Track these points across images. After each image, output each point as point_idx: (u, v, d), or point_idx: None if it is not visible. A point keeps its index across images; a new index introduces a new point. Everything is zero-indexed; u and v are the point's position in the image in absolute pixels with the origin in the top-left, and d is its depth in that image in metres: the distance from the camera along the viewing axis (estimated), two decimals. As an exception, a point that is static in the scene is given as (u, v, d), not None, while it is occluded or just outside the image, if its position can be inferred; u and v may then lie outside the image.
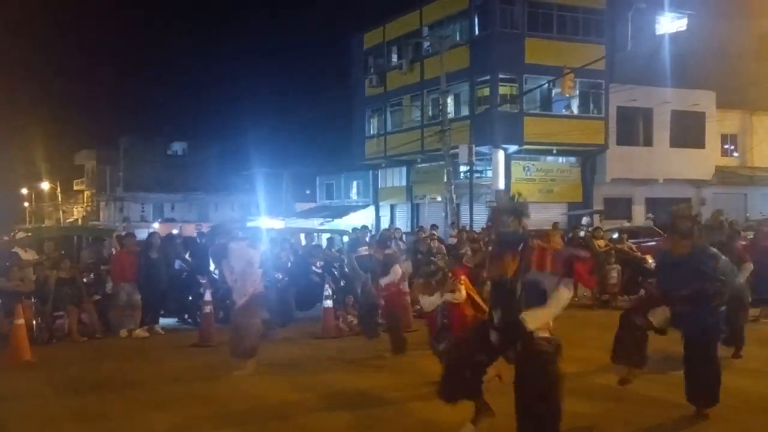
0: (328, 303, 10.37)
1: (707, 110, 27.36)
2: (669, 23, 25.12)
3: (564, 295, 4.43)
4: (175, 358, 8.67)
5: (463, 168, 24.24)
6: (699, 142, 27.43)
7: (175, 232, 16.40)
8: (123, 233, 13.61)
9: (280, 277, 11.81)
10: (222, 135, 65.65)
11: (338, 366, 8.03)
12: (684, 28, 24.79)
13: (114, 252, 12.04)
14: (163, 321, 11.17)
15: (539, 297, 4.43)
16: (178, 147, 55.82)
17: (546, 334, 4.46)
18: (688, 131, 27.02)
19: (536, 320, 4.40)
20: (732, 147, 29.66)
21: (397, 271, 8.88)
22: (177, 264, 11.79)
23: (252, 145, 40.63)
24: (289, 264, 12.52)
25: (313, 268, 12.16)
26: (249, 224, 27.48)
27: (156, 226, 35.15)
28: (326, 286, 10.76)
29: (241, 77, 71.69)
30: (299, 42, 79.03)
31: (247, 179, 42.71)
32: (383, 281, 8.77)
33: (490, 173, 24.76)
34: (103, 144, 54.00)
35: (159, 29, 78.96)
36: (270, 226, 23.89)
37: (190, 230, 18.30)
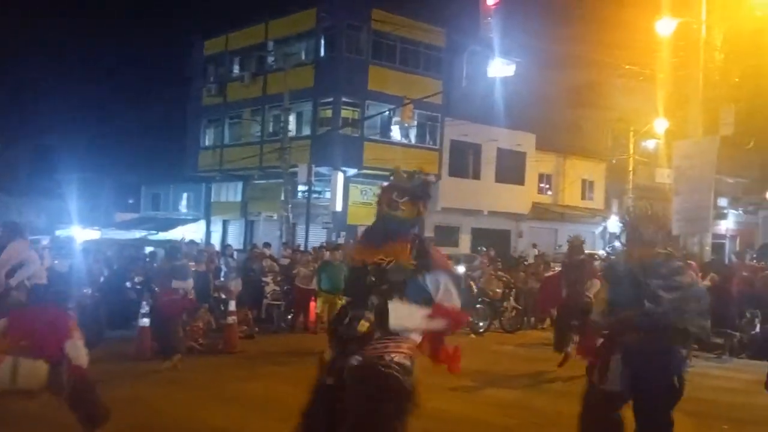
0: (145, 321, 9.42)
1: (528, 151, 29.77)
2: (499, 68, 26.97)
3: (441, 323, 3.19)
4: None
5: (301, 187, 23.91)
6: (519, 179, 29.71)
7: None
8: None
9: (90, 292, 10.54)
10: (33, 132, 58.45)
11: (150, 385, 7.38)
12: (512, 73, 26.79)
13: None
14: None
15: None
16: (-22, 141, 49.21)
17: (406, 361, 3.15)
18: (511, 168, 29.16)
19: (404, 317, 3.10)
20: (547, 186, 32.52)
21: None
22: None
23: (69, 146, 36.74)
24: (102, 278, 11.27)
25: (130, 283, 11.05)
26: (58, 233, 24.70)
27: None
28: (143, 303, 9.76)
29: (60, 68, 64.18)
30: (129, 39, 73.45)
31: (60, 183, 38.55)
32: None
33: (328, 194, 24.66)
34: None
35: (-35, 8, 69.39)
36: (84, 236, 21.67)
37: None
